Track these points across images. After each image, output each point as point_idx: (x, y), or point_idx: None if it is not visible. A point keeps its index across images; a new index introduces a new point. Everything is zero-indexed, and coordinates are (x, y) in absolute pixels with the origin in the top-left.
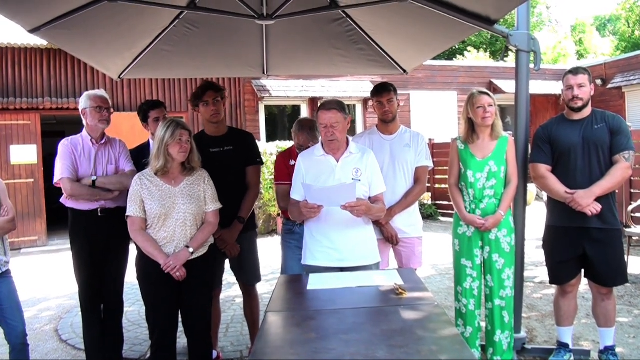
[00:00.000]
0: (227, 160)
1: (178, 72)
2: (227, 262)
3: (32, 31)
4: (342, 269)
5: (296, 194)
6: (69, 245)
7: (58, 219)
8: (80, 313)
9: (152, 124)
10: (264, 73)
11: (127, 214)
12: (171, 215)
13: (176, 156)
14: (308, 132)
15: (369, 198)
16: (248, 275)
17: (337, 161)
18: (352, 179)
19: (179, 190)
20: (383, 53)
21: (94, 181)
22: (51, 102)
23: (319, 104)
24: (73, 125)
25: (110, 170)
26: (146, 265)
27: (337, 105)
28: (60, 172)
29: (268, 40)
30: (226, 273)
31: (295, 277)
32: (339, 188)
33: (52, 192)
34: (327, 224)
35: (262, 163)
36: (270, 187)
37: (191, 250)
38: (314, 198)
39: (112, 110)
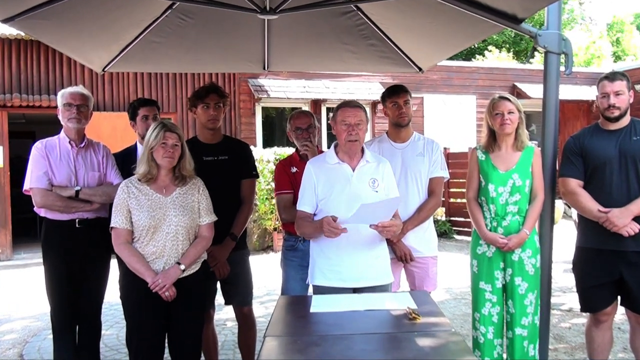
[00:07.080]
0: (221, 171)
1: (169, 66)
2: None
3: (4, 21)
4: (354, 290)
5: (305, 206)
6: (37, 260)
7: (25, 230)
8: (50, 336)
9: (139, 123)
10: (264, 68)
11: (111, 225)
12: (161, 227)
13: (160, 161)
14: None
15: None
16: (243, 296)
17: (353, 170)
18: (371, 190)
19: (171, 200)
20: (397, 49)
21: (77, 192)
22: (20, 99)
23: (322, 107)
24: (45, 126)
25: (91, 177)
26: (131, 283)
27: (360, 105)
28: (30, 180)
29: (270, 32)
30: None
31: (296, 298)
32: (385, 203)
33: (19, 200)
34: (340, 241)
35: (257, 177)
36: (266, 199)
37: (182, 267)
38: (359, 216)
39: (88, 108)
